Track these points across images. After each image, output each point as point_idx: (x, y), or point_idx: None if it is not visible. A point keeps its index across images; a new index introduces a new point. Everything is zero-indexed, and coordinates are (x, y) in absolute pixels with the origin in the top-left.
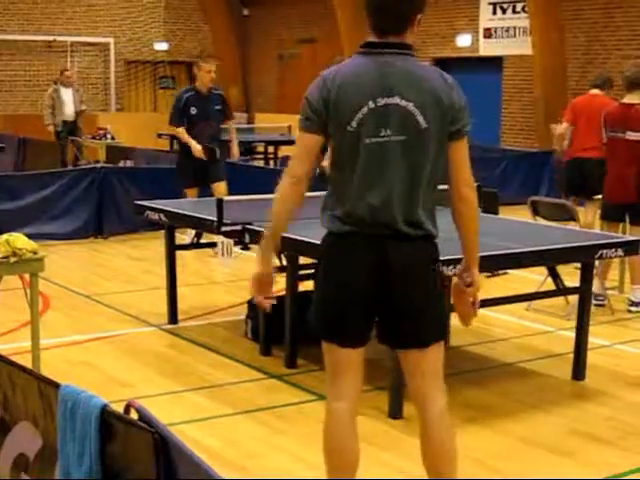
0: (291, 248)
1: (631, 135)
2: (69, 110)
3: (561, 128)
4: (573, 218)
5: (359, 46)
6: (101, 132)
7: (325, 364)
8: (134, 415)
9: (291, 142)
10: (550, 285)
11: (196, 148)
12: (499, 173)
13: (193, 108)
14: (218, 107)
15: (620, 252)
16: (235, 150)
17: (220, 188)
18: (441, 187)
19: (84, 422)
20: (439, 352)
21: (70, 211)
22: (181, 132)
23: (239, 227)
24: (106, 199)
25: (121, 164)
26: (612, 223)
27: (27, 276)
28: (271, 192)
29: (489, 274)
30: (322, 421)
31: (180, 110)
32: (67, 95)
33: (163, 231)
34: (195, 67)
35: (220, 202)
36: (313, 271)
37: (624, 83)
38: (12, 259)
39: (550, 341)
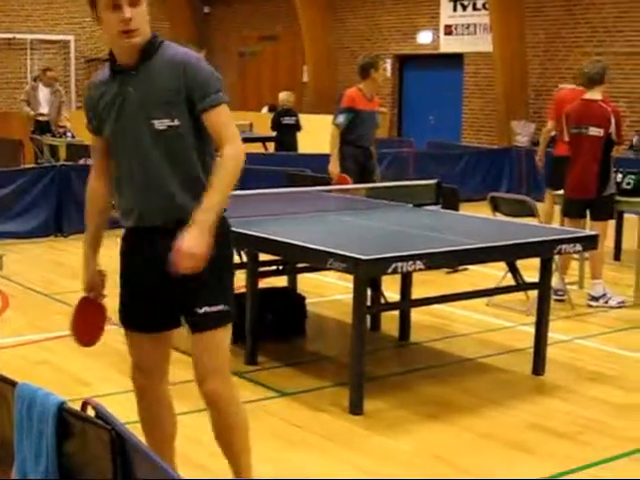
0: (250, 245)
1: (594, 131)
2: (43, 109)
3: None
4: (533, 214)
5: None
6: (61, 130)
7: None
8: (91, 413)
9: (252, 139)
10: (510, 280)
11: None
12: (459, 169)
13: None
14: None
15: (579, 247)
16: None
17: None
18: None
19: (41, 420)
20: None
21: (30, 209)
22: None
23: None
24: (66, 197)
25: (82, 162)
26: (574, 219)
27: None
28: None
29: (450, 270)
30: (282, 417)
31: None
32: (44, 94)
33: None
34: None
35: None
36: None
37: (584, 80)
38: None
39: (510, 336)
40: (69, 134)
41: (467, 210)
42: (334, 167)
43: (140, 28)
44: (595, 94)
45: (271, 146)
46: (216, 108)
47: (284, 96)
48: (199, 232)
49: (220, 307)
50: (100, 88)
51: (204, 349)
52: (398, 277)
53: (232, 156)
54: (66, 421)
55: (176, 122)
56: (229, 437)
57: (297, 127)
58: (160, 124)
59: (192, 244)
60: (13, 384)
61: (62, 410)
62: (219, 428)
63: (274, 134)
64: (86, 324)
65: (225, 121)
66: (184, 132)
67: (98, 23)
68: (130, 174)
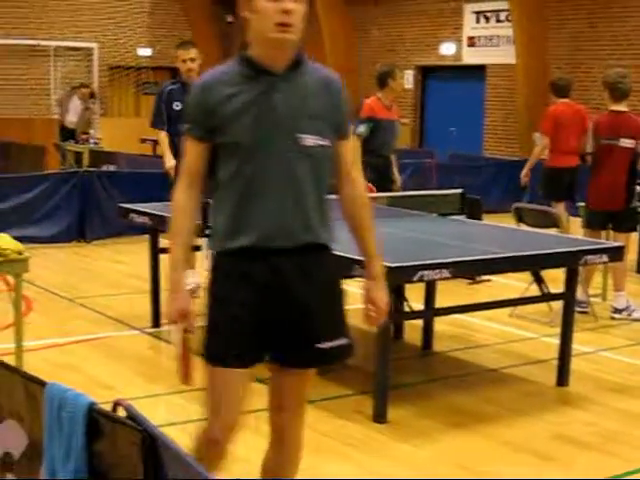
0: None
1: (625, 142)
2: (71, 117)
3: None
4: (557, 225)
5: None
6: (84, 137)
7: None
8: (122, 414)
9: None
10: (534, 292)
11: (169, 162)
12: (482, 181)
13: (177, 103)
14: None
15: (605, 258)
16: None
17: None
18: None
19: (71, 421)
20: None
21: (53, 214)
22: (162, 138)
23: None
24: (89, 203)
25: (104, 168)
26: (596, 231)
27: (9, 278)
28: None
29: (471, 281)
30: (307, 425)
31: (160, 108)
32: (75, 105)
33: (145, 235)
34: (174, 57)
35: (205, 205)
36: None
37: (616, 94)
38: None
39: (533, 347)
40: (92, 141)
41: (490, 221)
42: None
43: (297, 26)
44: (623, 106)
45: None
46: (351, 137)
47: None
48: (384, 284)
49: (343, 341)
50: (225, 89)
51: (302, 382)
52: (420, 286)
53: (365, 192)
54: (96, 421)
55: (326, 142)
56: (287, 472)
57: None
58: (309, 140)
59: (386, 299)
60: (43, 384)
61: (93, 411)
62: (281, 462)
63: None
64: (185, 360)
65: (353, 153)
66: (329, 153)
67: (248, 13)
68: (266, 188)
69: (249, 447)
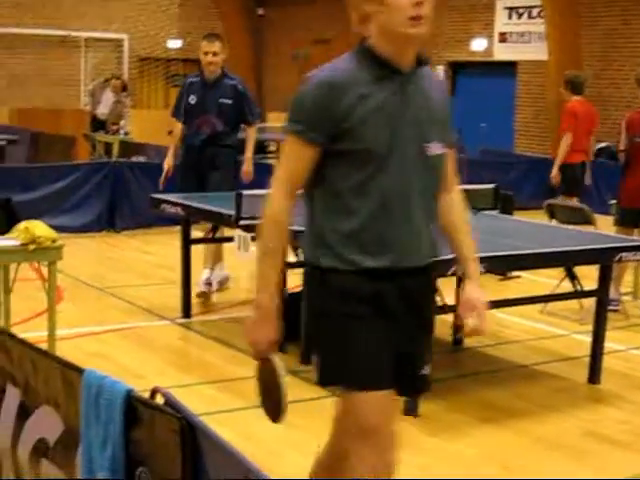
0: None
1: None
2: (102, 109)
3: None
4: (590, 222)
5: None
6: (114, 127)
7: None
8: (160, 402)
9: None
10: (564, 289)
11: (168, 160)
12: (512, 177)
13: (193, 97)
14: (227, 101)
15: (639, 256)
16: (247, 167)
17: None
18: None
19: (108, 408)
20: None
21: (83, 204)
22: (176, 130)
23: (257, 221)
24: (119, 193)
25: (133, 159)
26: (628, 228)
27: (41, 267)
28: None
29: (502, 277)
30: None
31: (182, 99)
32: (107, 97)
33: (175, 226)
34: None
35: (239, 196)
36: None
37: None
38: (31, 246)
39: (564, 344)
40: (122, 132)
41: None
42: None
43: (428, 17)
44: None
45: None
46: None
47: None
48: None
49: (429, 368)
50: (357, 89)
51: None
52: (451, 281)
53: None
54: (134, 408)
55: (444, 150)
56: None
57: None
58: (433, 148)
59: (485, 300)
60: (80, 371)
61: (131, 397)
62: None
63: None
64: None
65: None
66: (445, 162)
67: (373, 6)
68: (400, 201)
69: (280, 441)
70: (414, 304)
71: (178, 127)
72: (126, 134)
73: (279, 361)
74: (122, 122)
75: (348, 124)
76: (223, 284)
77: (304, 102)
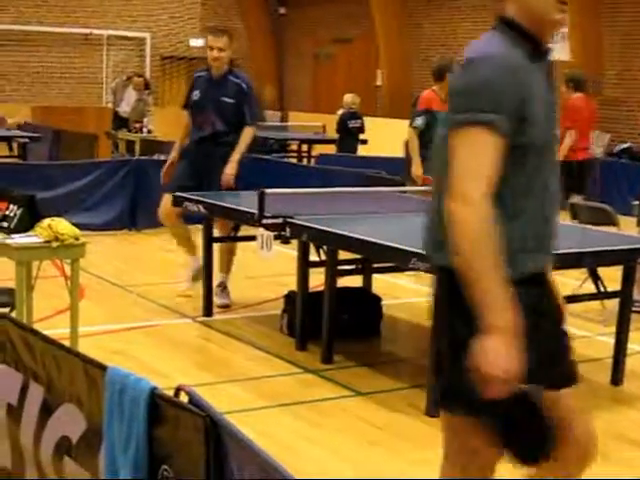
0: (332, 242)
1: None
2: (124, 107)
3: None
4: (613, 223)
5: None
6: (137, 125)
7: None
8: (184, 400)
9: (325, 141)
10: (586, 290)
11: (173, 153)
12: None
13: (197, 92)
14: (229, 100)
15: None
16: (230, 169)
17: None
18: None
19: (132, 405)
20: None
21: (105, 202)
22: (183, 120)
23: (280, 220)
24: (141, 191)
25: (156, 157)
26: None
27: (62, 264)
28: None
29: None
30: (358, 416)
31: (189, 92)
32: (129, 95)
33: (198, 225)
34: None
35: (262, 194)
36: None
37: None
38: (54, 243)
39: (587, 346)
40: (145, 130)
41: None
42: (418, 169)
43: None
44: None
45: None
46: None
47: (349, 98)
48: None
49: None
50: (526, 73)
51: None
52: None
53: None
54: (158, 406)
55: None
56: None
57: (361, 130)
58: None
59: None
60: (104, 368)
61: (154, 395)
62: None
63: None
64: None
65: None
66: None
67: None
68: (554, 199)
69: (301, 440)
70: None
71: (184, 119)
72: (149, 132)
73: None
74: (145, 120)
75: (525, 114)
76: (197, 278)
77: (493, 88)
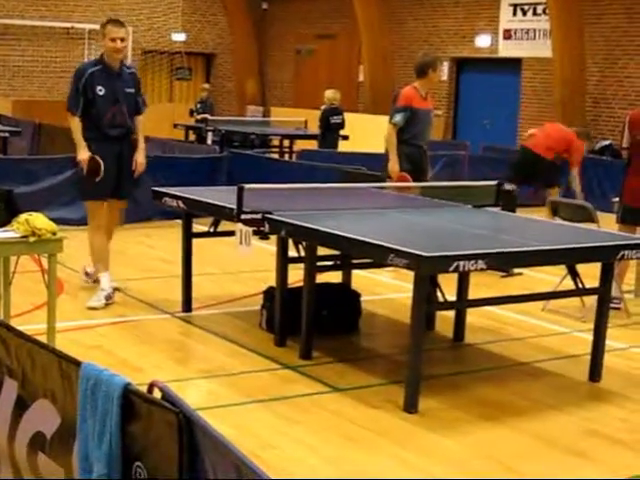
0: (310, 238)
1: None
2: None
3: None
4: (592, 219)
5: None
6: None
7: None
8: (157, 396)
9: (307, 137)
10: (566, 286)
11: (82, 154)
12: None
13: (100, 87)
14: (131, 90)
15: None
16: (141, 157)
17: (116, 207)
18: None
19: (105, 401)
20: None
21: None
22: (76, 124)
23: (259, 216)
24: None
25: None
26: (630, 227)
27: (42, 259)
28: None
29: (504, 274)
30: (336, 412)
31: (78, 90)
32: None
33: (177, 220)
34: (101, 35)
35: (240, 190)
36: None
37: None
38: (31, 238)
39: (566, 342)
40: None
41: (524, 214)
42: (394, 166)
43: None
44: None
45: (312, 144)
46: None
47: (331, 94)
48: None
49: None
50: None
51: None
52: (452, 277)
53: None
54: (131, 402)
55: None
56: None
57: (342, 126)
58: None
59: None
60: (78, 364)
61: (128, 391)
62: None
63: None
64: None
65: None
66: None
67: None
68: None
69: (279, 435)
70: None
71: (75, 121)
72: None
73: None
74: None
75: None
76: (110, 298)
77: None
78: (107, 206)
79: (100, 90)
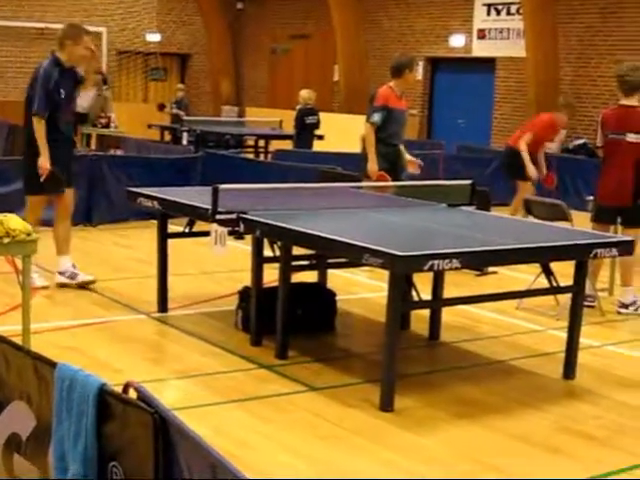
0: (285, 238)
1: (631, 137)
2: (82, 102)
3: None
4: (566, 218)
5: None
6: (104, 121)
7: None
8: (133, 396)
9: (282, 137)
10: (540, 285)
11: (47, 162)
12: (489, 173)
13: (62, 90)
14: (74, 87)
15: (614, 252)
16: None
17: (71, 194)
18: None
19: (81, 401)
20: None
21: None
22: (42, 128)
23: (234, 216)
24: (96, 187)
25: (111, 153)
26: (604, 225)
27: (16, 260)
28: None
29: (479, 272)
30: (312, 411)
31: (48, 93)
32: (85, 91)
33: (152, 220)
34: (68, 40)
35: (215, 190)
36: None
37: (624, 87)
38: (5, 240)
39: (540, 340)
40: (113, 125)
41: (498, 213)
42: (373, 165)
43: None
44: (633, 101)
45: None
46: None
47: (306, 94)
48: None
49: None
50: None
51: None
52: (427, 276)
53: None
54: (107, 402)
55: None
56: None
57: (317, 126)
58: None
59: None
60: (53, 365)
61: (103, 391)
62: None
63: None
64: None
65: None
66: None
67: None
68: None
69: (254, 434)
70: None
71: (42, 124)
72: (116, 127)
73: None
74: (112, 116)
75: None
76: (73, 279)
77: None
78: (62, 196)
79: (62, 92)
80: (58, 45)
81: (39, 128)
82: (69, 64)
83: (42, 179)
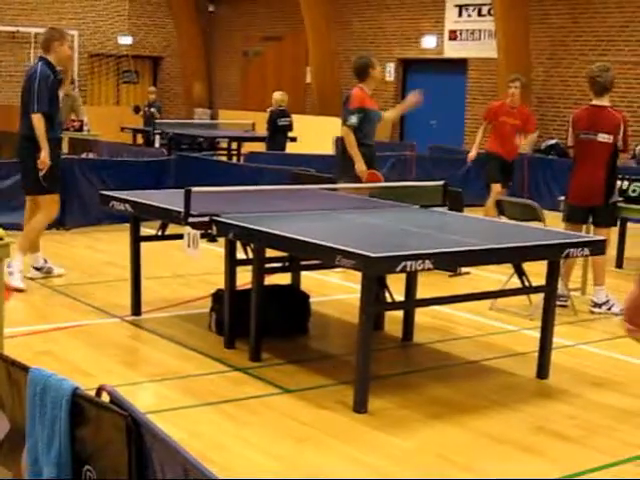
0: (257, 240)
1: (602, 137)
2: None
3: None
4: (538, 218)
5: None
6: (76, 124)
7: None
8: (106, 399)
9: (255, 139)
10: (514, 285)
11: (46, 157)
12: (461, 174)
13: (56, 91)
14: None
15: (586, 251)
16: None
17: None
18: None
19: (54, 405)
20: None
21: None
22: (44, 125)
23: (207, 219)
24: (68, 191)
25: (83, 156)
26: (576, 225)
27: None
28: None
29: (452, 273)
30: (286, 413)
31: (48, 93)
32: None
33: (126, 224)
34: (55, 42)
35: (188, 193)
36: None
37: (595, 87)
38: None
39: (513, 340)
40: (86, 128)
41: (471, 214)
42: (361, 166)
43: None
44: (604, 101)
45: (260, 147)
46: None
47: (278, 96)
48: None
49: None
50: None
51: None
52: (400, 278)
53: None
54: (80, 406)
55: None
56: None
57: (290, 128)
58: None
59: None
60: (26, 369)
61: (76, 395)
62: None
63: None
64: None
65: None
66: None
67: None
68: None
69: (229, 437)
70: None
71: (43, 122)
72: (88, 131)
73: None
74: (85, 119)
75: None
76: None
77: None
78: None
79: (58, 93)
80: (44, 49)
81: (40, 126)
82: (58, 66)
83: (41, 174)
